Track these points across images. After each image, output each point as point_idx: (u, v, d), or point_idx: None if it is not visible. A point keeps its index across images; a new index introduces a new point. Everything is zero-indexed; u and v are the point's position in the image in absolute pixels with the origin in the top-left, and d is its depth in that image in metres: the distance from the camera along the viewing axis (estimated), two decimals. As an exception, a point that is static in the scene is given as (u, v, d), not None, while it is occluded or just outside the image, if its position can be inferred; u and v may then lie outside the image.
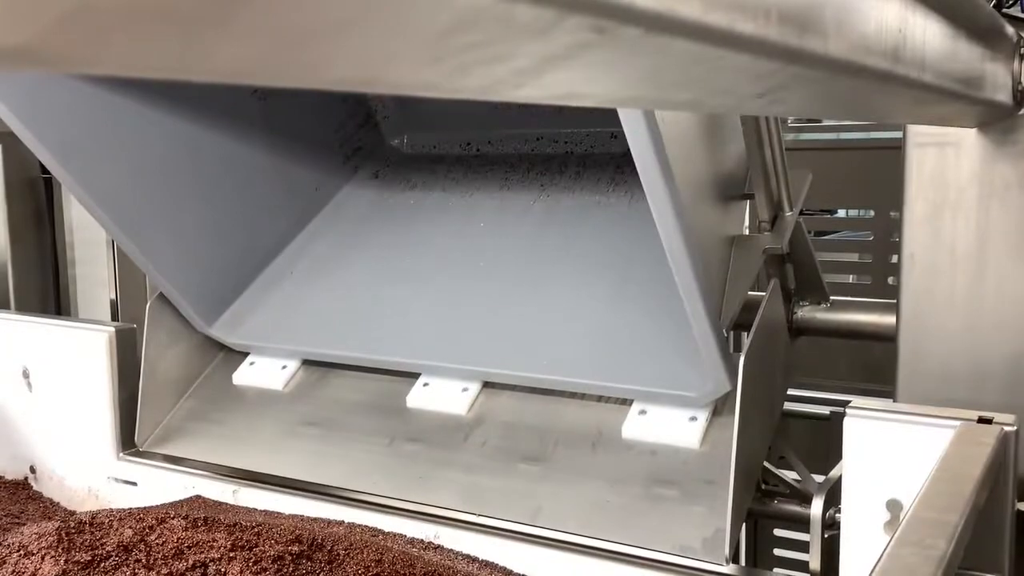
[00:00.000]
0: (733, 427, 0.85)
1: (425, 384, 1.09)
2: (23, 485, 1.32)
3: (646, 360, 0.96)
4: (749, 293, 0.95)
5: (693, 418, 0.93)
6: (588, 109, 1.26)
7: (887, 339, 0.93)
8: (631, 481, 0.93)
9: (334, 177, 1.33)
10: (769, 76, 0.29)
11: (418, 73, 0.19)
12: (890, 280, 1.59)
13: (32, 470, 1.32)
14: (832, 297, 1.06)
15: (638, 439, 0.95)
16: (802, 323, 1.03)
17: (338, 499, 1.05)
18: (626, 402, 0.98)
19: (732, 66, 0.27)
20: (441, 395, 1.08)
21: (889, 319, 0.94)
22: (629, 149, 1.14)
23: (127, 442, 1.23)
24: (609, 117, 1.17)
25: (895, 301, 0.88)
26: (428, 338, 1.10)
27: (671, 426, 0.94)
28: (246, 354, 1.25)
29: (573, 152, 1.24)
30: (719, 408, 0.94)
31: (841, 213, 1.96)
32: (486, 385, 1.07)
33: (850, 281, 1.70)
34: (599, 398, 1.01)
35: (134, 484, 1.21)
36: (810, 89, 0.36)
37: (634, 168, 1.12)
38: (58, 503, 1.28)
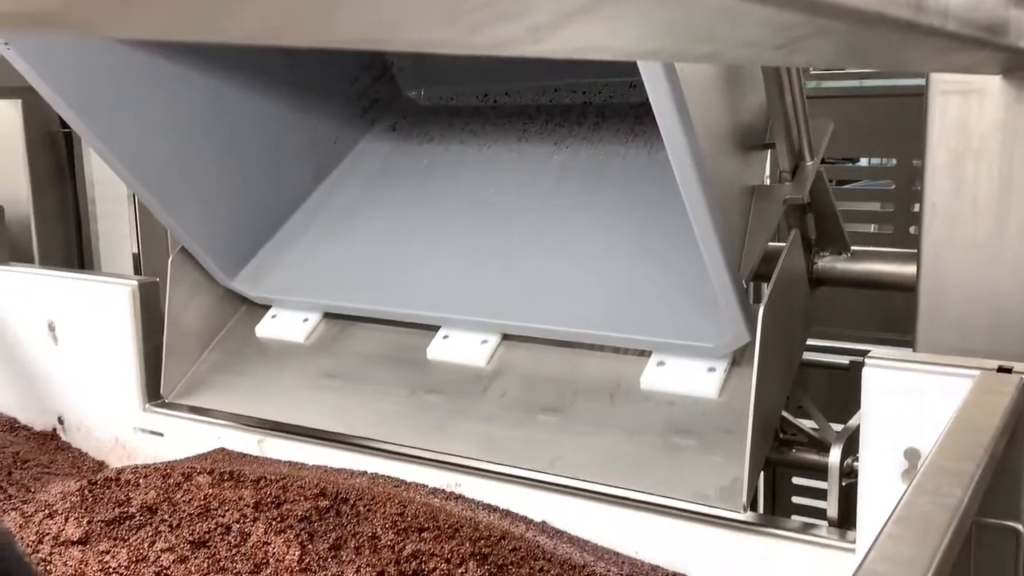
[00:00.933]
0: (752, 378, 0.86)
1: (445, 336, 1.10)
2: (52, 436, 1.35)
3: (665, 312, 0.96)
4: (769, 244, 0.94)
5: (711, 369, 0.93)
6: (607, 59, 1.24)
7: (907, 289, 0.93)
8: (649, 431, 0.94)
9: (352, 130, 1.33)
10: (792, 28, 0.29)
11: (434, 31, 0.19)
12: (912, 229, 1.58)
13: (60, 421, 1.35)
14: (853, 247, 1.05)
15: (656, 390, 0.96)
16: (822, 273, 1.03)
17: (361, 448, 1.06)
18: (644, 354, 0.99)
19: (755, 18, 0.27)
20: (461, 347, 1.08)
21: (909, 269, 0.94)
22: (648, 99, 1.13)
23: (153, 394, 1.24)
24: (628, 67, 1.16)
25: (916, 251, 0.88)
26: (447, 291, 1.10)
27: (689, 377, 0.94)
28: (268, 307, 1.26)
29: (592, 102, 1.23)
30: (738, 359, 0.94)
31: (863, 162, 1.94)
32: (505, 338, 1.08)
33: (872, 230, 1.69)
34: (617, 350, 1.01)
35: (160, 435, 1.23)
36: (832, 40, 0.36)
37: (653, 118, 1.11)
38: (86, 453, 1.31)
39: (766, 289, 0.90)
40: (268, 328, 1.24)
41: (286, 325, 1.23)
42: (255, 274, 1.24)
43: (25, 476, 1.14)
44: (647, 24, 0.25)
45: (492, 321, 1.06)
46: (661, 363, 0.96)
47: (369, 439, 1.07)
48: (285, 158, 1.27)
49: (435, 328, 1.11)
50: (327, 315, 1.22)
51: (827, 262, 1.03)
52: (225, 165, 1.20)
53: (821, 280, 1.04)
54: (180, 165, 1.15)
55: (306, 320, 1.22)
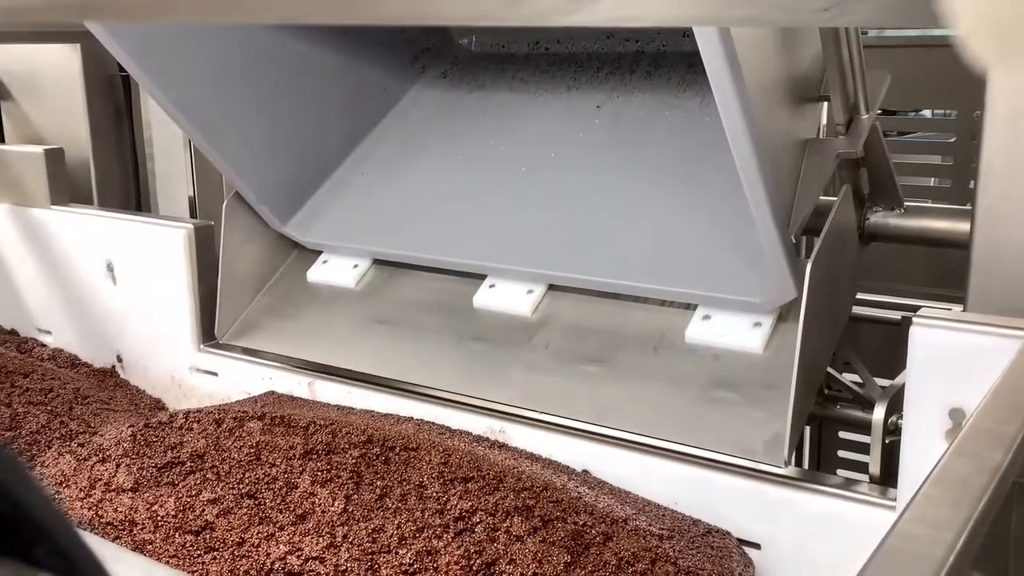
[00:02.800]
0: (797, 333, 0.86)
1: (491, 286, 1.11)
2: (111, 373, 1.39)
3: (712, 265, 0.95)
4: (821, 198, 0.93)
5: (757, 324, 0.93)
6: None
7: (961, 246, 0.92)
8: (692, 384, 0.94)
9: (402, 79, 1.33)
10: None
11: (475, 4, 0.20)
12: (971, 184, 1.54)
13: (119, 359, 1.39)
14: (908, 202, 1.04)
15: (701, 343, 0.96)
16: (874, 229, 1.02)
17: (408, 393, 1.08)
18: (690, 307, 0.99)
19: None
20: (506, 296, 1.09)
21: (963, 226, 0.92)
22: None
23: (207, 335, 1.28)
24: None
25: (970, 207, 0.86)
26: (494, 240, 1.11)
27: (734, 331, 0.94)
28: (319, 253, 1.28)
29: (644, 51, 1.22)
30: (784, 314, 0.94)
31: (926, 113, 1.90)
32: (551, 288, 1.08)
33: (931, 184, 1.66)
34: (662, 303, 1.01)
35: (215, 374, 1.27)
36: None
37: (703, 67, 1.09)
38: (143, 391, 1.35)
39: (815, 244, 0.89)
40: (319, 273, 1.26)
41: (336, 270, 1.25)
42: (306, 220, 1.26)
43: (86, 412, 1.18)
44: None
45: (538, 271, 1.07)
46: (707, 317, 0.96)
47: (416, 384, 1.09)
48: (336, 106, 1.28)
49: (481, 277, 1.12)
50: (376, 261, 1.23)
51: (879, 217, 1.01)
52: (278, 112, 1.22)
53: (873, 236, 1.02)
54: (234, 112, 1.17)
55: (356, 266, 1.23)
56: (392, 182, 1.25)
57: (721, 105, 0.74)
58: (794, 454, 1.57)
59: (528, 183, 1.15)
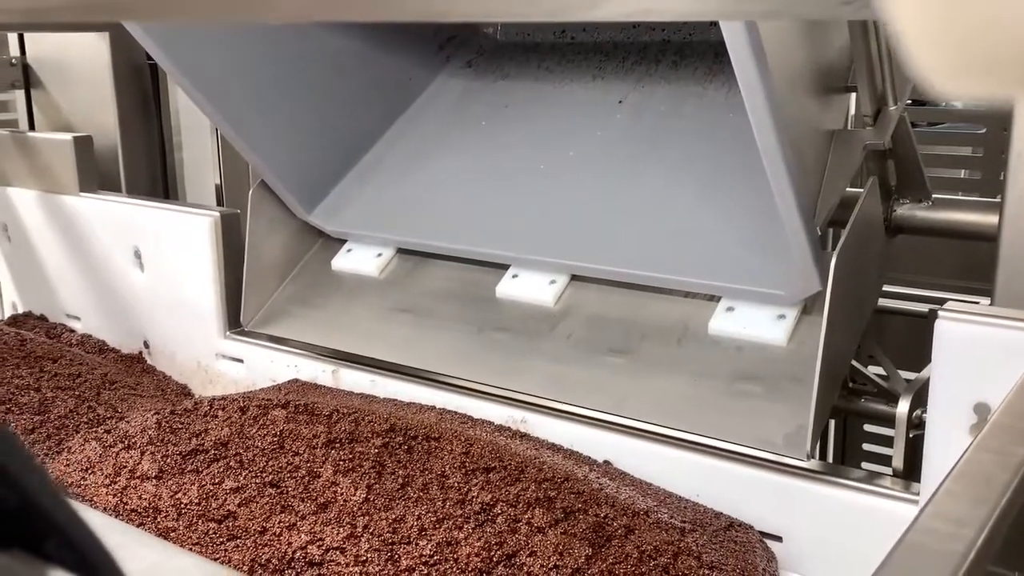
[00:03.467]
0: (821, 326, 0.85)
1: (514, 276, 1.11)
2: (138, 359, 1.40)
3: (736, 257, 0.95)
4: (847, 190, 0.92)
5: (781, 316, 0.93)
6: None
7: (989, 239, 0.91)
8: (715, 376, 0.94)
9: (427, 67, 1.33)
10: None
11: (493, 1, 0.20)
12: (1002, 176, 1.52)
13: (146, 345, 1.40)
14: (936, 195, 1.03)
15: (724, 335, 0.96)
16: (901, 221, 1.01)
17: (431, 382, 1.09)
18: (713, 299, 0.98)
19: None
20: (529, 287, 1.09)
21: (992, 219, 0.91)
22: None
23: (233, 322, 1.29)
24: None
25: (999, 199, 0.85)
26: (517, 230, 1.11)
27: (758, 323, 0.94)
28: (343, 241, 1.29)
29: (671, 40, 1.21)
30: (808, 307, 0.93)
31: (956, 104, 1.87)
32: (574, 279, 1.08)
33: (961, 176, 1.64)
34: (686, 295, 1.01)
35: (240, 361, 1.28)
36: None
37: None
38: (170, 377, 1.36)
39: (841, 236, 0.88)
40: (343, 262, 1.27)
41: (360, 259, 1.25)
42: (331, 209, 1.27)
43: (113, 397, 1.19)
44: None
45: (561, 261, 1.07)
46: (730, 308, 0.96)
47: (438, 373, 1.09)
48: (362, 95, 1.28)
49: (504, 267, 1.12)
50: (400, 250, 1.24)
51: (907, 210, 1.00)
52: (304, 101, 1.22)
53: (900, 228, 1.01)
54: (260, 100, 1.17)
55: (380, 255, 1.24)
56: (417, 171, 1.25)
57: (746, 95, 0.74)
58: (818, 447, 1.56)
59: (552, 173, 1.15)
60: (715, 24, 1.14)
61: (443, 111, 1.30)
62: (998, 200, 0.86)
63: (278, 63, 1.18)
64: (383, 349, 1.15)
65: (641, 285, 1.03)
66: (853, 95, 0.98)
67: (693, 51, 1.18)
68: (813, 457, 0.86)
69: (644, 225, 1.04)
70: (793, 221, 0.82)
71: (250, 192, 1.25)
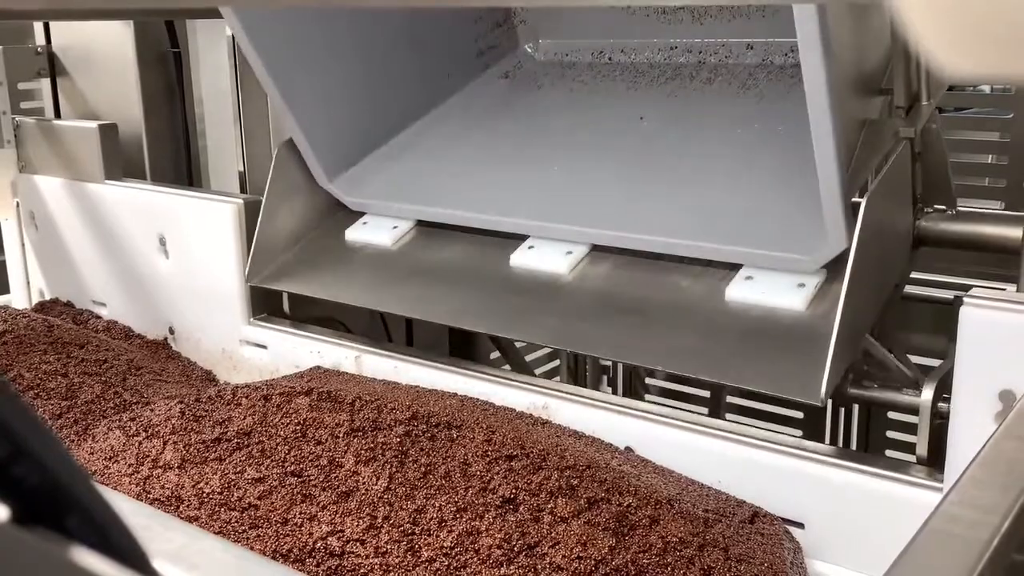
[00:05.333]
0: (843, 285, 0.83)
1: (531, 247, 1.10)
2: (163, 345, 1.42)
3: (758, 225, 0.95)
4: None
5: (801, 284, 0.91)
6: (727, 18, 1.23)
7: (1013, 252, 0.90)
8: (729, 331, 0.92)
9: (466, 69, 1.34)
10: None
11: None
12: (1030, 160, 1.51)
13: (171, 331, 1.41)
14: (961, 197, 1.00)
15: (741, 300, 0.94)
16: (924, 232, 0.98)
17: (453, 369, 1.09)
18: (734, 269, 0.97)
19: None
20: (545, 256, 1.08)
21: (1015, 232, 0.90)
22: (764, 60, 1.14)
23: (257, 308, 1.29)
24: (747, 27, 1.19)
25: (1022, 213, 0.84)
26: (536, 202, 1.11)
27: (777, 291, 0.91)
28: (359, 216, 1.27)
29: (706, 62, 1.21)
30: (827, 282, 0.91)
31: (984, 88, 1.85)
32: (593, 250, 1.07)
33: (988, 161, 1.62)
34: (706, 264, 0.99)
35: (264, 347, 1.28)
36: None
37: (767, 77, 1.13)
38: (195, 363, 1.37)
39: (871, 184, 0.87)
40: (357, 233, 1.25)
41: (375, 230, 1.23)
42: (354, 180, 1.26)
43: (138, 382, 1.20)
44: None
45: (578, 228, 1.05)
46: (749, 277, 0.95)
47: (461, 361, 1.09)
48: (403, 81, 1.28)
49: (522, 239, 1.11)
50: (418, 224, 1.22)
51: (930, 221, 0.98)
52: (349, 71, 1.23)
53: (923, 240, 0.99)
54: (308, 60, 1.18)
55: (396, 227, 1.22)
56: (443, 156, 1.25)
57: (808, 78, 0.76)
58: (840, 435, 1.56)
59: (579, 160, 1.16)
60: (752, 47, 1.16)
61: (477, 107, 1.31)
62: (1021, 214, 0.85)
63: (331, 28, 1.19)
64: (393, 304, 1.14)
65: (660, 255, 1.01)
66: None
67: (728, 71, 1.20)
68: (826, 403, 0.84)
69: (664, 196, 1.04)
70: (830, 175, 0.81)
71: (276, 149, 1.24)
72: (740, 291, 0.94)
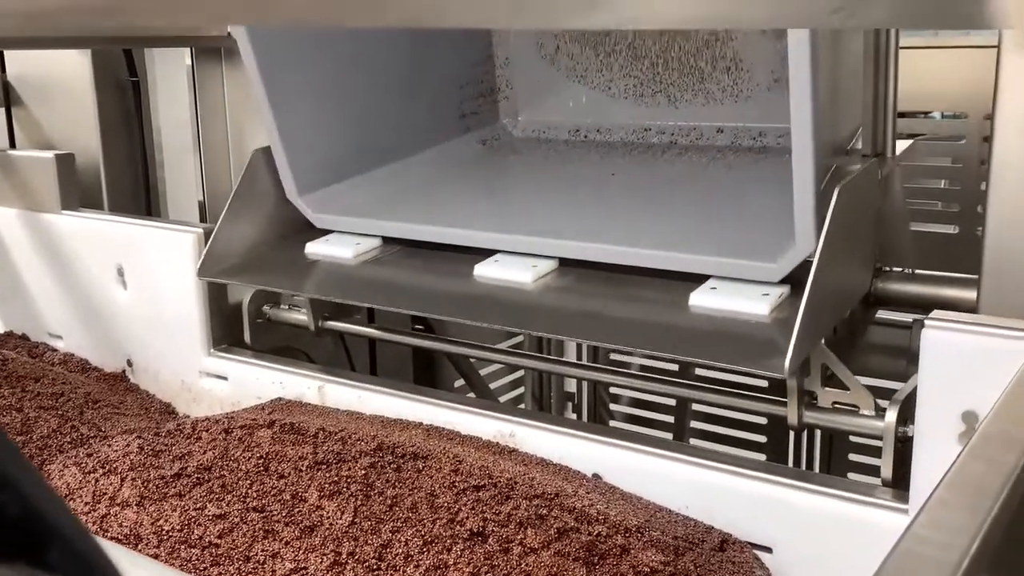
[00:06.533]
0: (815, 254, 0.84)
1: (496, 260, 1.09)
2: (121, 377, 1.39)
3: (723, 239, 0.97)
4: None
5: (765, 294, 0.91)
6: (699, 106, 1.29)
7: (968, 311, 0.90)
8: (692, 328, 0.92)
9: (446, 127, 1.37)
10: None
11: (490, 6, 0.20)
12: (983, 186, 1.54)
13: (129, 363, 1.39)
14: (915, 225, 1.02)
15: (705, 305, 0.93)
16: (881, 294, 0.99)
17: (418, 398, 1.08)
18: (700, 281, 0.97)
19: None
20: (509, 268, 1.07)
21: (970, 295, 0.91)
22: (733, 142, 1.20)
23: (218, 339, 1.28)
24: (719, 111, 1.25)
25: (977, 276, 0.85)
26: (505, 220, 1.12)
27: (741, 298, 0.91)
28: (325, 234, 1.24)
29: (677, 142, 1.27)
30: (790, 299, 0.91)
31: (936, 115, 1.89)
32: (560, 265, 1.06)
33: (941, 186, 1.66)
34: (673, 277, 0.99)
35: (225, 379, 1.27)
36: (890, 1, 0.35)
37: (735, 154, 1.19)
38: (154, 395, 1.35)
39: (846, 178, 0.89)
40: (319, 246, 1.22)
41: (338, 245, 1.21)
42: (322, 200, 1.24)
43: (96, 416, 1.18)
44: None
45: (543, 240, 1.06)
46: (714, 288, 0.94)
47: (425, 389, 1.09)
48: (387, 122, 1.29)
49: (491, 254, 1.11)
50: (385, 242, 1.20)
51: (887, 283, 0.99)
52: (340, 98, 1.24)
53: (880, 300, 0.99)
54: (302, 77, 1.19)
55: (359, 244, 1.20)
56: (415, 189, 1.26)
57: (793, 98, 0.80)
58: (803, 460, 1.57)
59: (549, 188, 1.19)
60: (722, 130, 1.24)
61: (453, 159, 1.34)
62: (976, 277, 0.86)
63: (330, 53, 1.21)
64: (355, 295, 1.13)
65: (626, 268, 1.01)
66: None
67: (698, 151, 1.24)
68: (792, 378, 0.83)
69: (631, 215, 1.06)
70: (805, 179, 0.83)
71: (252, 152, 1.22)
72: (704, 298, 0.93)
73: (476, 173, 1.31)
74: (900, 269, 0.99)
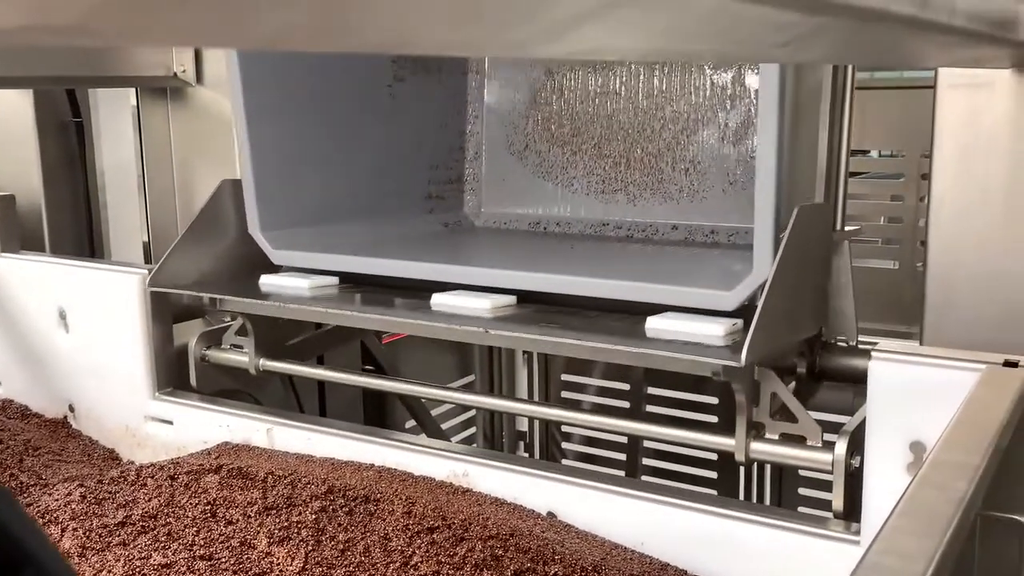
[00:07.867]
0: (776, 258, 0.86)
1: (454, 293, 1.08)
2: (63, 424, 1.35)
3: (680, 273, 1.00)
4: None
5: (720, 323, 0.91)
6: (657, 204, 1.34)
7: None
8: (649, 342, 0.92)
9: (412, 202, 1.39)
10: (791, 27, 0.29)
11: (455, 32, 0.20)
12: (921, 222, 1.58)
13: (71, 409, 1.36)
14: (857, 262, 1.02)
15: (661, 331, 0.93)
16: (824, 366, 0.99)
17: (369, 439, 1.07)
18: (656, 311, 0.97)
19: (752, 17, 0.27)
20: (467, 298, 1.07)
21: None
22: (687, 238, 1.30)
23: (162, 382, 1.25)
24: (676, 210, 1.31)
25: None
26: (465, 256, 1.17)
27: (696, 324, 0.91)
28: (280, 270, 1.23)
29: (634, 236, 1.31)
30: (745, 330, 0.91)
31: (873, 154, 1.95)
32: (520, 302, 1.07)
33: (881, 223, 1.70)
34: (630, 312, 0.99)
35: (170, 423, 1.24)
36: (835, 37, 0.36)
37: (687, 245, 1.22)
38: (97, 441, 1.32)
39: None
40: (273, 279, 1.20)
41: (293, 279, 1.19)
42: (284, 239, 1.22)
43: (36, 463, 1.15)
44: (649, 25, 0.25)
45: (502, 272, 1.06)
46: (670, 316, 0.94)
47: (377, 430, 1.07)
48: (357, 180, 1.31)
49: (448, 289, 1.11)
50: (343, 280, 1.19)
51: (831, 357, 0.99)
52: (317, 148, 1.25)
53: (824, 374, 1.00)
54: (284, 119, 1.21)
55: (313, 280, 1.18)
56: (379, 247, 1.25)
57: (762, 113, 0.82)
58: (755, 493, 1.58)
59: (510, 246, 1.24)
60: (676, 227, 1.29)
61: (417, 231, 1.37)
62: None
63: (311, 106, 1.23)
64: (301, 312, 1.13)
65: (584, 303, 1.02)
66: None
67: (653, 243, 1.28)
68: (748, 365, 0.83)
69: (589, 260, 1.10)
70: (766, 203, 0.86)
71: (220, 181, 1.22)
72: (660, 324, 0.93)
73: (440, 239, 1.36)
74: (844, 342, 0.99)
